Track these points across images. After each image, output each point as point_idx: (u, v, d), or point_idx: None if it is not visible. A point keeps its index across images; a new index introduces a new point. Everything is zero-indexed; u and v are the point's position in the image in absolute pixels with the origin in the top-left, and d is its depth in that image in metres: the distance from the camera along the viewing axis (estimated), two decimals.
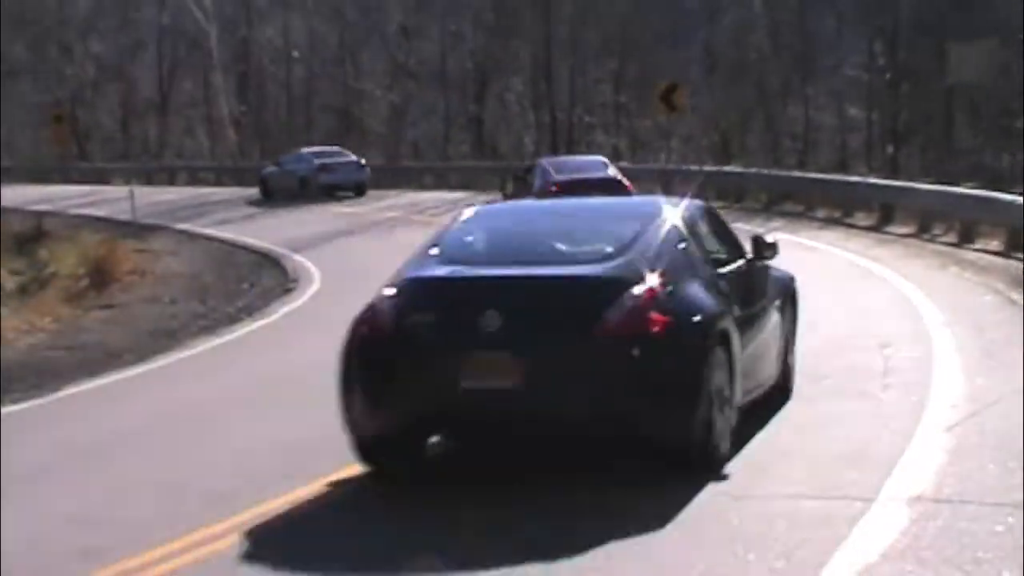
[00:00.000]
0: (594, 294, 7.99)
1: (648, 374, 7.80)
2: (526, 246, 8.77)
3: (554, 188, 25.54)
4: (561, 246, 8.74)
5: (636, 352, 7.77)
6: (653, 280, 8.08)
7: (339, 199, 37.34)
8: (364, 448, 8.38)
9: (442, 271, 8.56)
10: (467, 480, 8.56)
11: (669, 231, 8.71)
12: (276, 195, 38.53)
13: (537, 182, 27.08)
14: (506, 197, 26.39)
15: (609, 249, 8.45)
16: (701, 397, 7.95)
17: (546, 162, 29.88)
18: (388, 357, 8.17)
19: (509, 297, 8.03)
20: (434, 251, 8.94)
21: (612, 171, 28.70)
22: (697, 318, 8.16)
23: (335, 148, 42.81)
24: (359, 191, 38.72)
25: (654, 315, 7.89)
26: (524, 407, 7.86)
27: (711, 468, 8.12)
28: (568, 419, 7.90)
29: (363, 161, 40.67)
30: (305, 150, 42.09)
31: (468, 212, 9.57)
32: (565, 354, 7.80)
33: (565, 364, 7.79)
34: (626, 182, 27.71)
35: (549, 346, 7.82)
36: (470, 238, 9.04)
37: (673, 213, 9.00)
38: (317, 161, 39.17)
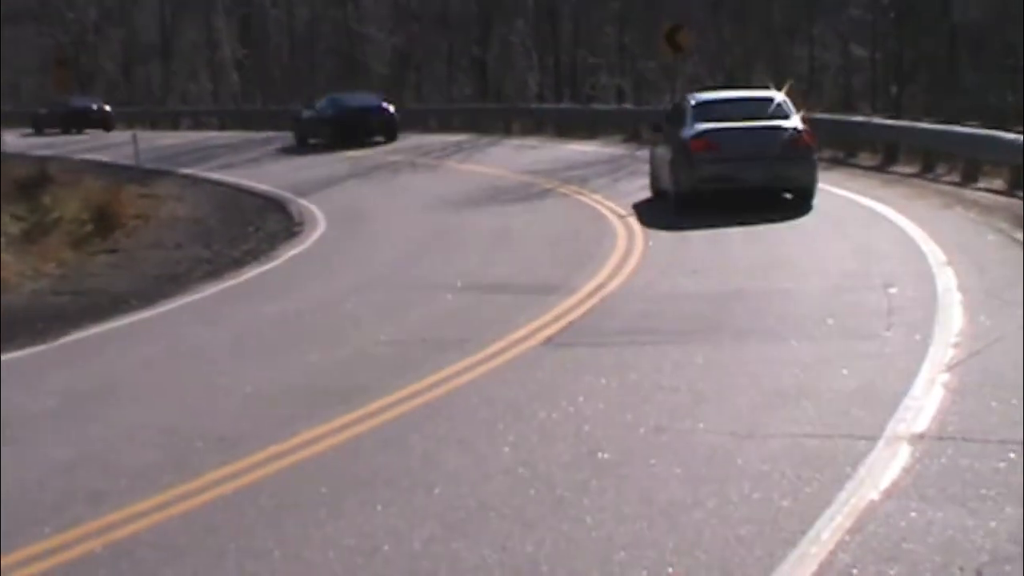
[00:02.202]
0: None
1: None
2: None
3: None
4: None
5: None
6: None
7: (371, 144, 37.03)
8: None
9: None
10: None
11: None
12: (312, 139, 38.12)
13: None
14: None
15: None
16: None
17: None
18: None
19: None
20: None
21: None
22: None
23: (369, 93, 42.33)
24: (390, 136, 38.20)
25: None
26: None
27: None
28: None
29: (392, 108, 39.97)
30: (336, 95, 41.20)
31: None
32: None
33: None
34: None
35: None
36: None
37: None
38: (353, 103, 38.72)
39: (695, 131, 19.29)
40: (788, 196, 19.23)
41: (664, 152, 20.14)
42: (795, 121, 19.70)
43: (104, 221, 22.56)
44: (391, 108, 38.77)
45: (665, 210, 19.39)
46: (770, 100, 20.43)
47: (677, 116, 20.52)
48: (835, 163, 26.06)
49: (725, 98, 21.45)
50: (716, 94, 22.41)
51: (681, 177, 19.14)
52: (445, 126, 44.25)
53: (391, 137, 37.58)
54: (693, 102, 20.46)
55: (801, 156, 19.22)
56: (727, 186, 19.07)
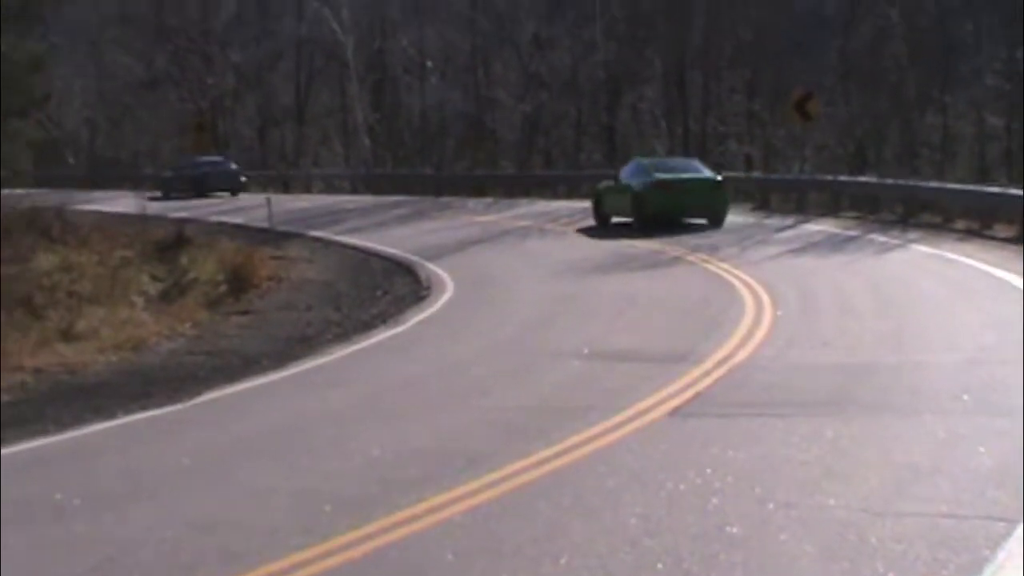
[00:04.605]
0: None
1: None
2: None
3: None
4: None
5: None
6: None
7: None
8: None
9: None
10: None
11: None
12: None
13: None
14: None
15: None
16: None
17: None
18: None
19: None
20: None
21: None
22: None
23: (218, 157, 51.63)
24: (235, 191, 47.87)
25: None
26: None
27: None
28: None
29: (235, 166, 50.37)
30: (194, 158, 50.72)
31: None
32: None
33: None
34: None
35: None
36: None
37: None
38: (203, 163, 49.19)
39: (655, 179, 29.03)
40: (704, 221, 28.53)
41: (620, 195, 29.69)
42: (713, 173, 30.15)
43: (238, 282, 23.01)
44: (234, 166, 49.52)
45: (794, 280, 19.25)
46: (693, 160, 33.03)
47: (634, 171, 30.10)
48: (969, 234, 25.65)
49: (666, 161, 33.74)
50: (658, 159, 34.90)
51: (643, 209, 28.68)
52: (573, 192, 44.43)
53: (236, 191, 46.74)
54: (646, 162, 31.38)
55: (720, 196, 29.29)
56: (674, 215, 28.60)
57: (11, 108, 29.04)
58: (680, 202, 28.85)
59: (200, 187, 48.38)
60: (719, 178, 29.89)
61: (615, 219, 29.88)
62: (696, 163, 31.92)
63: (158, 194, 47.85)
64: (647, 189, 28.77)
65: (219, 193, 48.57)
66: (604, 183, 31.15)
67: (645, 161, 31.92)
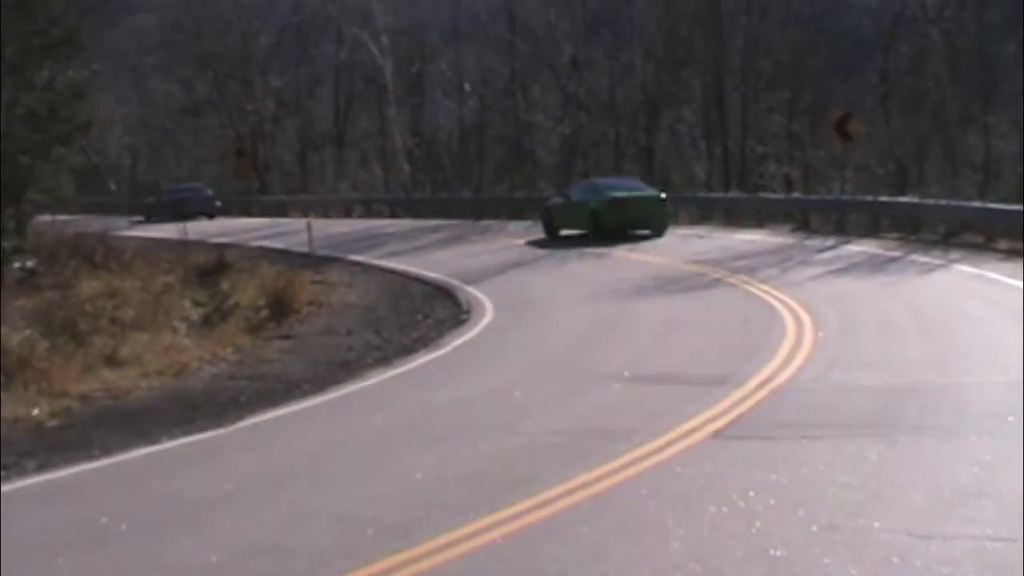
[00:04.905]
0: None
1: None
2: None
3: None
4: None
5: None
6: None
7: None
8: None
9: None
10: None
11: None
12: None
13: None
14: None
15: None
16: None
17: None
18: None
19: None
20: None
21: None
22: None
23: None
24: (210, 215, 50.44)
25: None
26: None
27: None
28: None
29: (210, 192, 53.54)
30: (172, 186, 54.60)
31: None
32: None
33: None
34: None
35: None
36: None
37: None
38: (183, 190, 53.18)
39: (611, 196, 32.58)
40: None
41: (573, 211, 33.25)
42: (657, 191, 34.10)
43: (279, 307, 23.11)
44: (210, 192, 52.84)
45: (836, 301, 19.19)
46: (636, 180, 36.89)
47: (589, 190, 33.79)
48: (1012, 254, 25.46)
49: (615, 181, 36.08)
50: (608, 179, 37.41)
51: (600, 222, 32.15)
52: None
53: (212, 216, 49.55)
54: (601, 182, 35.07)
55: (663, 211, 32.94)
56: (624, 227, 32.01)
57: (55, 135, 29.32)
58: (631, 216, 32.69)
59: (177, 212, 50.65)
60: (663, 196, 33.96)
61: (563, 232, 33.75)
62: (640, 183, 36.05)
63: (141, 218, 52.90)
64: (604, 205, 32.50)
65: (197, 217, 51.46)
66: (554, 201, 35.22)
67: (600, 181, 35.90)
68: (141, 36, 65.98)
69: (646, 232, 32.27)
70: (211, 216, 52.04)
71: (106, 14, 58.88)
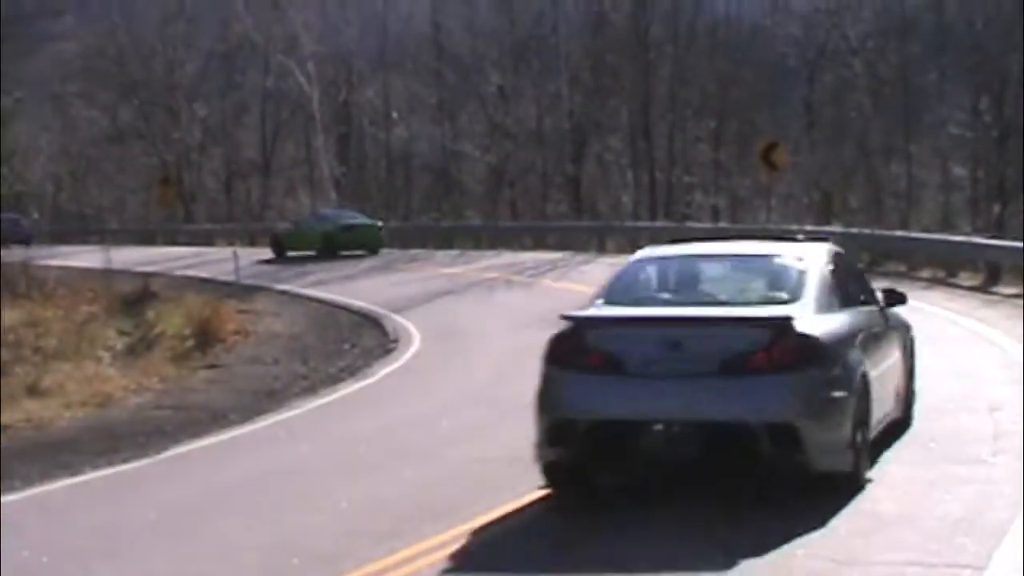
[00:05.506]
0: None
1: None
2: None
3: None
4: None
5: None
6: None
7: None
8: None
9: None
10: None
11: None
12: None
13: None
14: None
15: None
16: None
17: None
18: None
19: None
20: None
21: None
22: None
23: None
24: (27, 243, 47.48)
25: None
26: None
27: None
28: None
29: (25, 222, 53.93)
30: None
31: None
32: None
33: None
34: None
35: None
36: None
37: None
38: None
39: (342, 223, 41.15)
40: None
41: (304, 235, 40.58)
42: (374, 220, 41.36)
43: (204, 336, 22.92)
44: (25, 223, 53.30)
45: None
46: (357, 212, 42.88)
47: (320, 219, 42.68)
48: (935, 282, 25.83)
49: (340, 211, 44.28)
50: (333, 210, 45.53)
51: (331, 244, 39.63)
52: (539, 243, 44.55)
53: (28, 243, 47.42)
54: (330, 213, 42.73)
55: (379, 236, 41.03)
56: (350, 248, 40.08)
57: None
58: (356, 239, 40.96)
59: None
60: (379, 224, 42.69)
61: (291, 253, 40.77)
62: (358, 213, 44.50)
63: None
64: (337, 230, 40.93)
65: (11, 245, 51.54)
66: (284, 227, 43.88)
67: (329, 212, 45.34)
68: (63, 63, 65.39)
69: (362, 253, 40.10)
70: (28, 244, 51.43)
71: (27, 41, 58.36)
